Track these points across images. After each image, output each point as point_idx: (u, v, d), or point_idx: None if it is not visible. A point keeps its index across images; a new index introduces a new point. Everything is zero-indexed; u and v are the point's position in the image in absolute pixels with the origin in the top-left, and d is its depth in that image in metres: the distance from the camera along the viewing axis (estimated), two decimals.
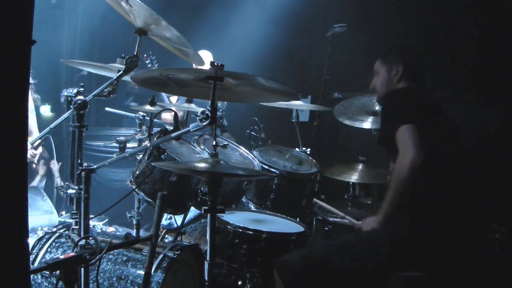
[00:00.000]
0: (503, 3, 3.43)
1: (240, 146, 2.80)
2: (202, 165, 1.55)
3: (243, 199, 2.76)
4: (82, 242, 1.56)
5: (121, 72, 1.76)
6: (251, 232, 2.16)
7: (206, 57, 3.95)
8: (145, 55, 3.94)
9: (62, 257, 1.34)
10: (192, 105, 2.83)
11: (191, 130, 1.62)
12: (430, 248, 1.82)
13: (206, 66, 1.55)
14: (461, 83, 3.61)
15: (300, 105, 3.17)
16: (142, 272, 1.80)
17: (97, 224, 2.83)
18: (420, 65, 2.24)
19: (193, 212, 2.83)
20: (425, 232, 1.85)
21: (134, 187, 2.12)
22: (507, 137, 3.25)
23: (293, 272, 1.85)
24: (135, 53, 1.78)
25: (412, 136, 1.87)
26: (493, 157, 3.22)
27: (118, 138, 2.02)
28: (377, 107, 2.86)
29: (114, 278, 1.87)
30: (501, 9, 3.42)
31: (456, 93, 3.47)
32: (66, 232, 2.06)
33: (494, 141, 3.33)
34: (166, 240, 2.84)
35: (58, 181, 3.68)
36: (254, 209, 2.68)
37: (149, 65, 4.12)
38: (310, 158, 3.06)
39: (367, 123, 3.06)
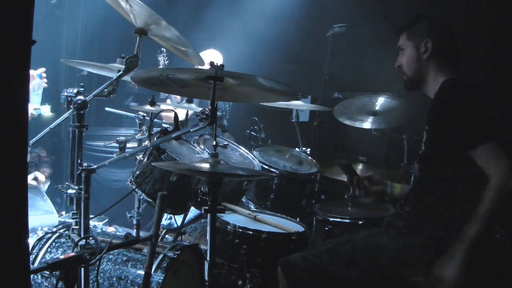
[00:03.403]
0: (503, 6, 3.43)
1: (240, 146, 2.80)
2: (202, 165, 1.55)
3: (243, 199, 2.77)
4: (82, 242, 1.56)
5: (121, 72, 1.76)
6: (251, 232, 2.17)
7: (214, 56, 3.94)
8: (159, 50, 3.96)
9: (62, 257, 1.34)
10: (192, 105, 2.82)
11: (191, 131, 1.62)
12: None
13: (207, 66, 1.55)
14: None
15: (300, 105, 3.17)
16: (142, 272, 1.80)
17: (97, 224, 2.83)
18: (453, 42, 1.92)
19: (193, 212, 2.83)
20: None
21: (134, 187, 2.12)
22: (508, 136, 3.25)
23: (299, 275, 1.81)
24: (135, 53, 1.78)
25: (501, 150, 1.65)
26: None
27: (118, 138, 2.02)
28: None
29: (114, 278, 1.87)
30: (501, 9, 3.42)
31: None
32: (66, 232, 2.05)
33: None
34: (166, 240, 2.84)
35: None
36: (254, 209, 2.68)
37: (160, 61, 4.14)
38: (310, 158, 3.06)
39: (367, 123, 3.06)
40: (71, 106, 1.67)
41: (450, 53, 1.90)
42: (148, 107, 2.63)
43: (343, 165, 2.14)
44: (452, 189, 1.79)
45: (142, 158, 2.19)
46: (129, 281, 1.85)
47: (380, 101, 3.02)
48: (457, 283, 1.61)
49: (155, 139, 1.95)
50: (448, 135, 1.76)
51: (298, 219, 2.59)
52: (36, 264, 1.93)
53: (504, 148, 1.67)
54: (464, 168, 1.72)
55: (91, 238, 1.55)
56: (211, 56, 3.90)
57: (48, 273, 1.86)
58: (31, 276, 1.84)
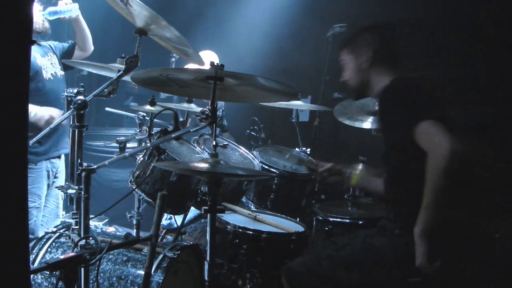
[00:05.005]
0: (504, 4, 3.43)
1: (240, 146, 2.80)
2: (202, 165, 1.55)
3: (243, 199, 2.77)
4: (82, 242, 1.56)
5: (121, 72, 1.76)
6: (251, 232, 2.17)
7: (211, 57, 3.95)
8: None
9: (62, 257, 1.34)
10: (192, 105, 2.82)
11: (191, 131, 1.62)
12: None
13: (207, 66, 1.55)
14: (461, 83, 3.61)
15: (300, 105, 3.17)
16: (142, 272, 1.80)
17: (97, 224, 2.83)
18: (391, 45, 2.01)
19: (193, 212, 2.83)
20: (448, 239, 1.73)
21: (134, 187, 2.12)
22: (507, 137, 3.25)
23: (303, 283, 1.83)
24: (135, 53, 1.78)
25: (440, 128, 1.66)
26: (493, 157, 3.21)
27: (118, 138, 2.02)
28: (375, 107, 2.68)
29: (114, 278, 1.87)
30: (501, 9, 3.42)
31: (456, 94, 3.47)
32: (66, 232, 2.05)
33: (495, 141, 3.33)
34: (166, 240, 2.84)
35: None
36: (254, 209, 2.68)
37: (172, 60, 4.20)
38: (310, 158, 3.06)
39: (367, 123, 3.05)
40: (71, 106, 1.67)
41: (389, 57, 1.97)
42: (148, 107, 2.63)
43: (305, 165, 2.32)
44: (416, 182, 1.77)
45: (142, 158, 2.19)
46: (129, 281, 1.85)
47: None
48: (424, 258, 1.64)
49: (155, 139, 1.95)
50: (391, 124, 1.84)
51: (298, 219, 2.59)
52: (36, 264, 1.93)
53: (444, 125, 1.68)
54: (420, 157, 1.71)
55: (91, 238, 1.55)
56: (208, 57, 3.90)
57: (48, 273, 1.86)
58: (31, 276, 1.84)
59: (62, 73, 2.89)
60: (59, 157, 2.85)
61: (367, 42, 1.96)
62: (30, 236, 2.53)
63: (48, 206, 2.84)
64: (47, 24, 2.75)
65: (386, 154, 1.93)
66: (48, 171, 2.78)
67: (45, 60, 2.77)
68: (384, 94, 1.87)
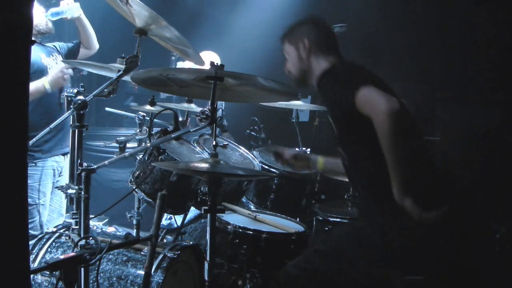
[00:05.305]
0: (503, 5, 3.43)
1: (240, 146, 2.80)
2: (202, 165, 1.55)
3: (243, 199, 2.77)
4: (82, 242, 1.56)
5: (121, 72, 1.76)
6: (251, 232, 2.16)
7: (213, 58, 3.94)
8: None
9: (62, 257, 1.34)
10: (192, 105, 2.82)
11: (191, 131, 1.63)
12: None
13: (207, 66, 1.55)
14: (461, 83, 3.61)
15: (300, 105, 3.17)
16: (142, 272, 1.80)
17: (97, 224, 2.83)
18: (327, 34, 2.08)
19: (193, 212, 2.83)
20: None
21: (134, 187, 2.12)
22: (508, 137, 3.25)
23: (300, 284, 1.82)
24: (135, 53, 1.78)
25: (378, 92, 1.67)
26: (494, 157, 3.22)
27: (118, 138, 2.02)
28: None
29: (114, 278, 1.87)
30: (501, 10, 3.42)
31: (457, 94, 3.47)
32: (66, 232, 2.05)
33: (495, 142, 3.33)
34: (166, 240, 2.84)
35: None
36: (254, 209, 2.68)
37: (172, 58, 4.20)
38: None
39: None
40: (71, 106, 1.67)
41: (327, 43, 2.04)
42: (148, 107, 2.64)
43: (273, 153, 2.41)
44: (370, 160, 1.81)
45: (142, 158, 2.19)
46: (129, 281, 1.85)
47: None
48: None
49: (155, 139, 1.95)
50: (335, 102, 1.87)
51: (298, 219, 2.59)
52: (36, 264, 1.93)
53: (382, 89, 1.70)
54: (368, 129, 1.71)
55: (91, 238, 1.55)
56: (209, 58, 3.90)
57: (48, 273, 1.86)
58: (31, 276, 1.84)
59: None
60: (64, 155, 2.87)
61: (304, 33, 2.03)
62: (36, 233, 2.57)
63: (51, 205, 2.87)
64: (50, 25, 2.79)
65: (339, 137, 1.95)
66: (53, 169, 2.83)
67: (50, 60, 2.82)
68: (323, 77, 1.95)
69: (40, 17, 2.71)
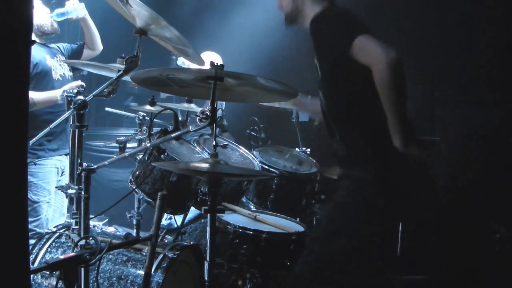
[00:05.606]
0: (503, 4, 3.43)
1: (240, 146, 2.80)
2: (202, 165, 1.55)
3: (243, 199, 2.76)
4: (82, 242, 1.56)
5: (121, 72, 1.76)
6: (251, 232, 2.16)
7: (214, 58, 3.94)
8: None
9: (62, 257, 1.34)
10: (192, 105, 2.82)
11: (191, 131, 1.62)
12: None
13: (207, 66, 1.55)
14: (461, 83, 3.61)
15: None
16: (142, 272, 1.80)
17: (97, 224, 2.83)
18: None
19: (193, 212, 2.83)
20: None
21: (134, 187, 2.12)
22: (508, 137, 3.25)
23: (314, 276, 1.84)
24: (135, 53, 1.79)
25: (375, 41, 1.66)
26: (494, 157, 3.22)
27: (118, 138, 2.02)
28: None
29: (114, 278, 1.87)
30: (500, 9, 3.42)
31: (457, 94, 3.47)
32: (66, 232, 2.05)
33: (495, 142, 3.33)
34: (166, 240, 2.84)
35: None
36: (254, 209, 2.68)
37: (173, 57, 4.20)
38: (310, 158, 3.06)
39: None
40: (71, 106, 1.67)
41: None
42: (148, 107, 2.64)
43: None
44: (357, 108, 1.82)
45: (142, 158, 2.19)
46: (129, 281, 1.85)
47: None
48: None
49: (155, 139, 1.95)
50: (328, 48, 1.85)
51: (298, 219, 2.59)
52: (36, 264, 1.93)
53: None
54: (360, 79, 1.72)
55: (91, 238, 1.55)
56: (210, 58, 3.90)
57: (48, 273, 1.86)
58: (31, 276, 1.84)
59: (71, 74, 2.97)
60: (66, 155, 2.89)
61: None
62: (40, 230, 2.58)
63: (54, 204, 2.87)
64: (55, 25, 2.81)
65: (323, 81, 1.94)
66: (57, 168, 2.85)
67: (54, 61, 2.83)
68: (316, 21, 1.90)
69: (45, 17, 2.72)
